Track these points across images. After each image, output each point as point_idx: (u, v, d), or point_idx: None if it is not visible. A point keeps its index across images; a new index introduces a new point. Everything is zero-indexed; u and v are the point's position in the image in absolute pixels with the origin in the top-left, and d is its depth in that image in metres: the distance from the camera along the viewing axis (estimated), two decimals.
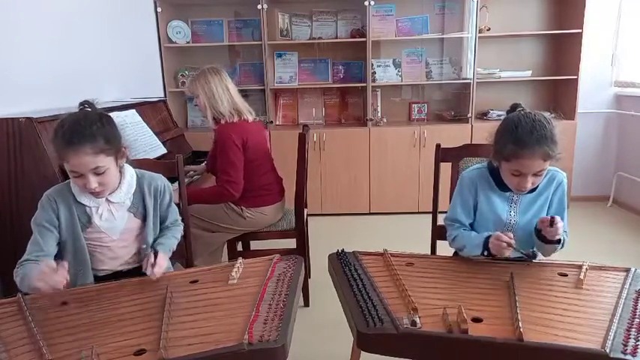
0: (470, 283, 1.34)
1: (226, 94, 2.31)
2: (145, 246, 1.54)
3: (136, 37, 3.55)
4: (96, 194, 1.40)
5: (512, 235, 1.40)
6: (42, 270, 1.23)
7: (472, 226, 1.61)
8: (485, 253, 1.45)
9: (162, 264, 1.41)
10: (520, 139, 1.35)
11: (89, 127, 1.31)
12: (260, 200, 2.37)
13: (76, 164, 1.32)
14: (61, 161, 1.35)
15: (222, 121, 2.31)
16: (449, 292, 1.29)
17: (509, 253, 1.40)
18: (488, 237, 1.44)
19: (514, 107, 1.48)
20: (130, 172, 1.52)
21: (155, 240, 1.57)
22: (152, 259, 1.39)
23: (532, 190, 1.49)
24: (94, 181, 1.34)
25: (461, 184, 1.61)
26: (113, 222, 1.48)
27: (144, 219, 1.55)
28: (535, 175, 1.40)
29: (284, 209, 2.52)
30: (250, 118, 2.39)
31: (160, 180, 1.59)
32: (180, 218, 1.70)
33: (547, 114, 1.43)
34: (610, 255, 3.02)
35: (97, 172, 1.34)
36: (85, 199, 1.44)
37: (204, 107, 2.32)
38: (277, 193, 2.46)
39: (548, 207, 1.55)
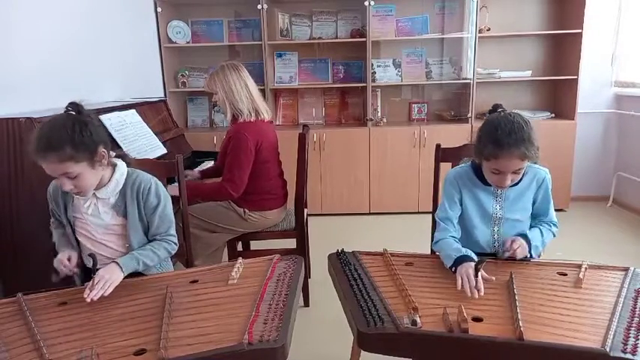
0: None
1: (245, 91, 2.28)
2: (128, 245, 1.52)
3: (136, 37, 3.55)
4: (76, 194, 1.44)
5: (480, 284, 1.31)
6: (59, 259, 1.43)
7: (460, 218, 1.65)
8: (453, 269, 1.41)
9: (105, 282, 1.31)
10: (499, 141, 1.40)
11: (56, 135, 1.32)
12: (264, 204, 2.36)
13: (47, 168, 1.35)
14: None
15: (240, 120, 2.29)
16: (449, 292, 1.29)
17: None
18: (459, 257, 1.42)
19: (495, 108, 1.53)
20: (122, 171, 1.51)
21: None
22: (94, 282, 1.30)
23: (516, 184, 1.54)
24: (68, 184, 1.37)
25: (446, 182, 1.66)
26: (98, 217, 1.50)
27: (126, 217, 1.52)
28: (514, 172, 1.45)
29: (286, 211, 2.51)
30: (267, 118, 2.37)
31: (147, 180, 1.54)
32: (174, 236, 1.58)
33: (524, 116, 1.45)
34: (610, 255, 3.02)
35: (69, 176, 1.35)
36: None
37: (223, 104, 2.30)
38: (281, 197, 2.45)
39: (533, 202, 1.60)
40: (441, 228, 1.62)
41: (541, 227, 1.60)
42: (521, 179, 1.53)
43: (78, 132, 1.34)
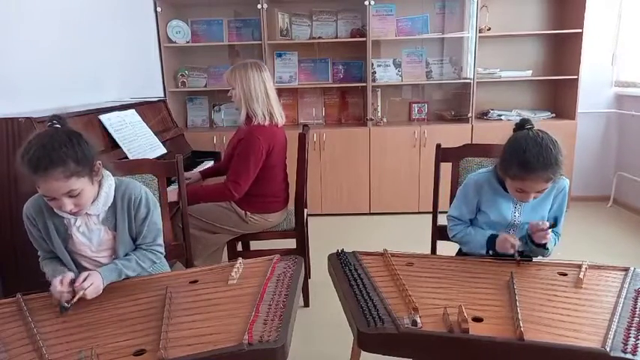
0: (470, 283, 1.34)
1: (262, 92, 2.26)
2: (115, 257, 1.47)
3: (136, 37, 3.55)
4: (73, 213, 1.34)
5: (516, 237, 1.48)
6: (53, 285, 1.27)
7: (472, 222, 1.69)
8: (491, 252, 1.53)
9: (89, 285, 1.27)
10: (526, 164, 1.38)
11: (57, 150, 1.23)
12: (266, 207, 2.36)
13: (46, 189, 1.25)
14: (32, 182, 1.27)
15: (255, 122, 2.27)
16: (449, 292, 1.29)
17: (513, 251, 1.47)
18: (491, 237, 1.53)
19: (523, 124, 1.47)
20: (109, 183, 1.42)
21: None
22: (80, 280, 1.28)
23: None
24: (69, 204, 1.28)
25: (466, 185, 1.66)
26: (90, 234, 1.43)
27: (116, 231, 1.46)
28: (537, 192, 1.45)
29: (287, 213, 2.51)
30: (281, 123, 2.36)
31: (138, 191, 1.47)
32: (161, 244, 1.54)
33: (551, 136, 1.44)
34: (610, 255, 3.02)
35: (71, 194, 1.28)
36: (62, 212, 1.36)
37: (239, 101, 2.29)
38: (283, 201, 2.45)
39: (549, 209, 1.60)
40: (457, 223, 1.67)
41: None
42: None
43: (77, 145, 1.28)
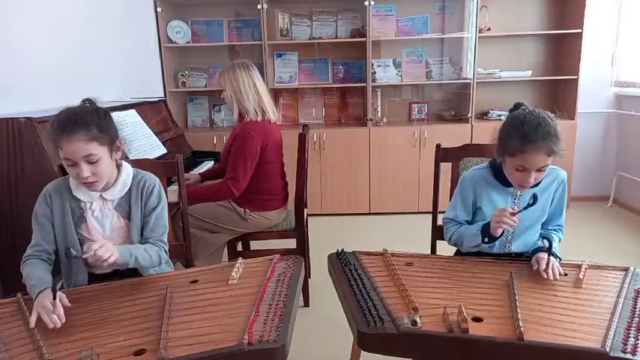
0: (470, 283, 1.34)
1: (252, 90, 2.30)
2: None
3: (136, 37, 3.55)
4: (89, 185, 1.39)
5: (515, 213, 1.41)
6: (43, 303, 1.20)
7: (470, 223, 1.65)
8: (486, 239, 1.48)
9: (106, 250, 1.30)
10: (526, 135, 1.38)
11: (84, 116, 1.35)
12: (265, 205, 2.36)
13: (69, 151, 1.33)
14: (56, 149, 1.36)
15: (247, 118, 2.31)
16: (449, 292, 1.29)
17: (509, 225, 1.41)
18: (485, 224, 1.48)
19: (517, 106, 1.50)
20: (127, 171, 1.51)
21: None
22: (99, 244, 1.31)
23: (534, 186, 1.51)
24: (86, 170, 1.35)
25: (462, 183, 1.64)
26: (103, 219, 1.48)
27: (129, 218, 1.51)
28: (538, 170, 1.42)
29: (287, 212, 2.51)
30: (273, 119, 2.38)
31: (153, 181, 1.55)
32: (166, 243, 1.55)
33: (549, 112, 1.45)
34: (610, 255, 3.02)
35: (90, 160, 1.34)
36: (80, 194, 1.44)
37: (230, 101, 2.33)
38: (282, 199, 2.45)
39: (550, 204, 1.58)
40: (453, 224, 1.63)
41: (551, 236, 1.57)
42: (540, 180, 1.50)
43: (102, 117, 1.39)
